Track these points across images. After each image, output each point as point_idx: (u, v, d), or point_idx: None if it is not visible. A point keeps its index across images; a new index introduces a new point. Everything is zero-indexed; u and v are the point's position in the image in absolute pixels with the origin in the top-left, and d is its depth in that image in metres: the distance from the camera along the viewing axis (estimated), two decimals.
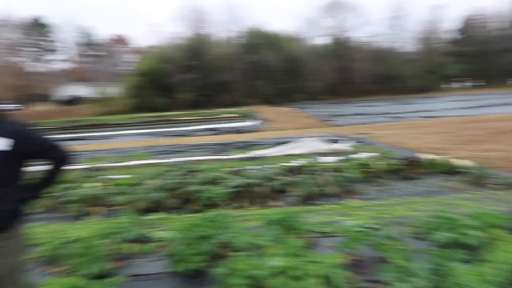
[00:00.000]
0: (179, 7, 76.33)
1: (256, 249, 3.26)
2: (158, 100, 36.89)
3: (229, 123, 20.23)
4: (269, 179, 6.01)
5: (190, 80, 36.99)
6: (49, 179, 2.15)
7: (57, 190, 5.92)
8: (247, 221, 4.48)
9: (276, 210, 4.32)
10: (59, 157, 2.15)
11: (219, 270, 2.91)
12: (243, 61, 37.94)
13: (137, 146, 12.87)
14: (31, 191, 2.12)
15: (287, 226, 3.66)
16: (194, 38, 39.88)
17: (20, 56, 46.50)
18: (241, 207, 5.33)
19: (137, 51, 58.56)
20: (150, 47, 47.35)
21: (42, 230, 4.96)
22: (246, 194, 5.62)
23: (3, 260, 1.98)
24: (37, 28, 54.28)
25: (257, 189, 5.64)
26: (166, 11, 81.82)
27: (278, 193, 5.81)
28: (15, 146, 1.95)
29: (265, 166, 6.93)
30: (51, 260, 3.71)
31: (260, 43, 38.43)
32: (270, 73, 38.40)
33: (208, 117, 24.99)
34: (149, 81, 37.30)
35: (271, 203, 5.46)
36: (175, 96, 37.52)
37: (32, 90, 48.44)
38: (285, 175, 6.39)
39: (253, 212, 5.03)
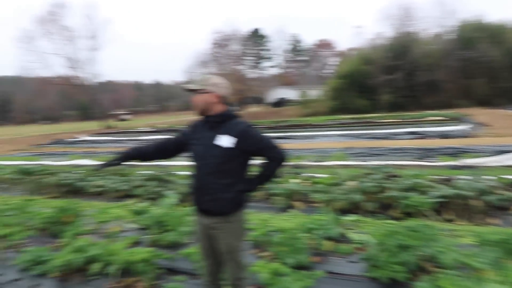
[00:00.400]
0: (385, 7, 74.22)
1: (467, 269, 2.87)
2: (358, 102, 36.77)
3: (435, 127, 18.40)
4: (484, 192, 5.20)
5: (392, 81, 35.44)
6: (266, 175, 2.38)
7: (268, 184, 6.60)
8: (456, 237, 3.99)
9: (494, 229, 3.71)
10: (275, 156, 2.34)
11: (421, 284, 2.69)
12: (454, 58, 33.81)
13: (336, 147, 13.14)
14: (250, 183, 2.39)
15: (510, 250, 3.08)
16: (398, 37, 37.99)
17: (242, 64, 53.64)
18: (448, 220, 4.80)
19: (339, 54, 59.77)
20: (351, 49, 47.60)
21: (252, 218, 5.62)
22: (454, 207, 5.02)
23: (226, 240, 2.32)
24: (255, 39, 61.70)
25: (468, 202, 4.96)
26: (370, 12, 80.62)
27: (496, 209, 4.98)
28: (238, 144, 2.23)
29: (479, 177, 6.02)
30: (258, 245, 4.15)
31: (476, 37, 33.46)
32: (488, 70, 33.11)
33: (412, 119, 23.38)
34: (349, 83, 37.52)
35: (486, 220, 4.73)
36: (376, 97, 36.60)
37: (248, 93, 55.47)
38: (506, 190, 5.42)
39: (463, 228, 4.45)
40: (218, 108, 2.32)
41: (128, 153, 2.59)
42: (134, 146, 2.64)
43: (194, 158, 2.35)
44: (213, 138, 2.27)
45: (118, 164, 2.57)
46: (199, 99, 2.29)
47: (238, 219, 2.35)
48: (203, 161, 2.28)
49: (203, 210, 2.35)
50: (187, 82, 2.35)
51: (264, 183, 2.39)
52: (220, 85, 2.35)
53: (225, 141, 2.23)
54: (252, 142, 2.26)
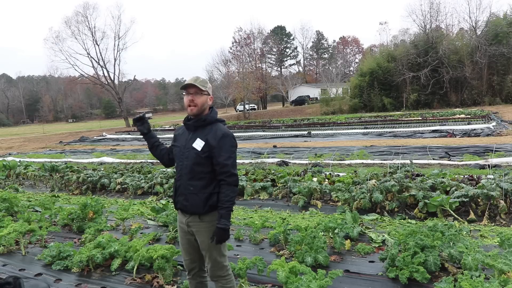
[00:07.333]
0: (411, 2, 72.72)
1: (491, 271, 2.78)
2: (381, 100, 36.16)
3: (462, 125, 17.91)
4: (511, 192, 5.01)
5: (417, 78, 34.66)
6: (227, 205, 2.30)
7: (286, 181, 6.57)
8: (480, 238, 3.87)
9: None
10: (226, 180, 2.29)
11: (441, 285, 2.61)
12: (483, 54, 32.67)
13: (357, 145, 12.97)
14: (221, 222, 2.31)
15: None
16: (424, 33, 37.08)
17: (265, 62, 53.66)
18: (471, 220, 4.65)
19: (362, 51, 58.90)
20: (375, 46, 46.83)
21: (271, 216, 5.60)
22: (478, 207, 4.87)
23: (200, 238, 2.36)
24: (279, 36, 61.53)
25: (493, 202, 4.79)
26: (396, 8, 79.03)
27: None
28: (203, 148, 2.28)
29: (506, 177, 5.82)
30: (277, 242, 4.13)
31: (505, 32, 32.16)
32: None
33: (437, 117, 22.83)
34: (372, 80, 36.90)
35: None
36: (400, 95, 35.91)
37: (270, 91, 55.41)
38: None
39: (488, 229, 4.32)
40: (207, 111, 2.39)
41: (151, 134, 2.64)
42: (157, 139, 2.69)
43: (176, 160, 2.45)
44: (191, 140, 2.34)
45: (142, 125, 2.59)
46: (200, 99, 2.32)
47: (211, 219, 2.34)
48: (181, 163, 2.37)
49: (179, 209, 2.44)
50: (195, 80, 2.34)
51: (230, 212, 2.33)
52: (212, 89, 2.44)
53: (201, 144, 2.30)
54: (219, 152, 2.28)
